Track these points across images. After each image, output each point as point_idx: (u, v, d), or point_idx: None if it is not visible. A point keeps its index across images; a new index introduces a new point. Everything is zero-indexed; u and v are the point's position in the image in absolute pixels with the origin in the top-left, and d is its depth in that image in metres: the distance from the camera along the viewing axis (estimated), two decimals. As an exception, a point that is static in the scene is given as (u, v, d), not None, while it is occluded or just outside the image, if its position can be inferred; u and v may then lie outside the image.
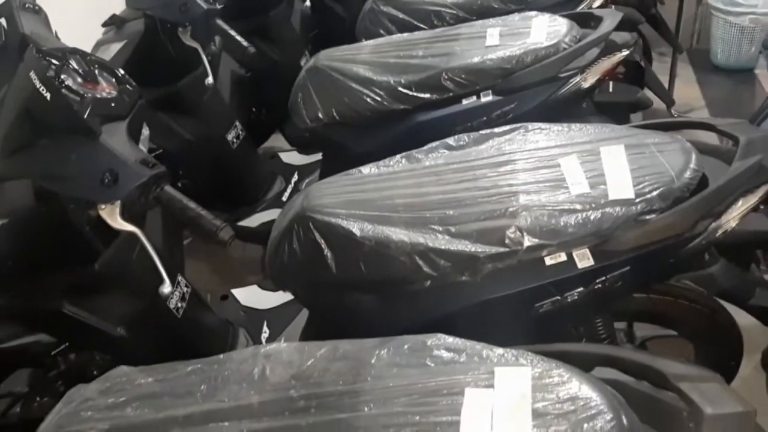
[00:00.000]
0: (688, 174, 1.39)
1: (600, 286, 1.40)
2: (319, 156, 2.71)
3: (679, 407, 0.89)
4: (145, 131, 1.56)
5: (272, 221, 1.68)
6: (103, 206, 1.28)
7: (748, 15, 4.04)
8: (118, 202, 1.28)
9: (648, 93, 2.78)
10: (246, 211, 2.61)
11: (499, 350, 1.00)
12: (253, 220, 2.55)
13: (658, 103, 3.20)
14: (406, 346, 1.05)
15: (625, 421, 0.86)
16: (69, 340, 1.61)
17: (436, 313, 1.48)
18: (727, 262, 1.53)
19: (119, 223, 1.29)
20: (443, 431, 0.88)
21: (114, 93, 1.39)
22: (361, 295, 1.53)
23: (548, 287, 1.41)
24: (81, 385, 1.12)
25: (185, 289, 1.77)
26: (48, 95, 1.25)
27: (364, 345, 1.07)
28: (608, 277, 1.39)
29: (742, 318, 1.68)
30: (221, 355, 1.13)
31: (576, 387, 0.91)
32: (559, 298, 1.42)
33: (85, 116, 1.27)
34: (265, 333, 1.95)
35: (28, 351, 1.68)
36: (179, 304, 1.72)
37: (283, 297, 2.03)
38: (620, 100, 2.24)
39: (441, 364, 0.99)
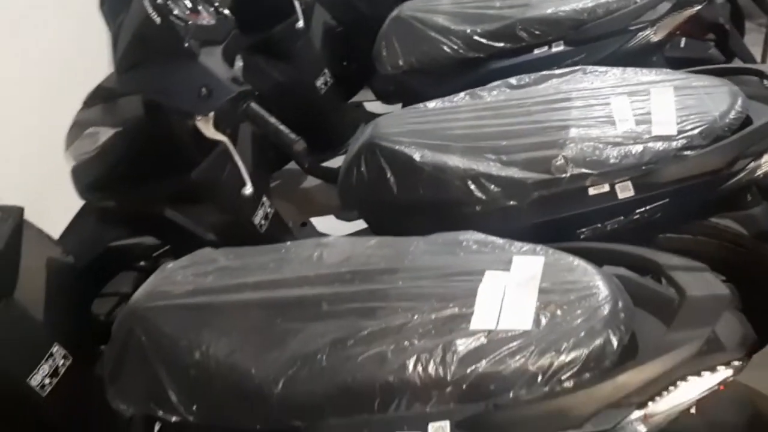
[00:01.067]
0: (731, 115, 1.47)
1: (639, 216, 1.51)
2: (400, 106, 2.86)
3: (671, 297, 1.01)
4: (239, 62, 1.77)
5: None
6: (199, 117, 1.50)
7: None
8: (212, 114, 1.50)
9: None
10: (330, 154, 2.80)
11: (521, 244, 1.14)
12: (337, 162, 2.75)
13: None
14: (440, 239, 1.21)
15: (619, 303, 0.99)
16: (168, 242, 1.87)
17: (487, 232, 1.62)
18: (769, 205, 1.59)
19: (212, 133, 1.51)
20: (461, 301, 1.04)
21: (213, 22, 1.60)
22: (419, 217, 1.68)
23: (590, 215, 1.52)
24: (171, 261, 1.34)
25: (269, 210, 1.99)
26: (158, 20, 1.48)
27: (407, 239, 1.24)
28: (647, 208, 1.50)
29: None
30: (289, 243, 1.33)
31: (581, 273, 1.04)
32: (599, 225, 1.53)
33: (187, 40, 1.49)
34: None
35: (133, 251, 1.96)
36: (262, 222, 1.94)
37: (356, 226, 2.21)
38: (691, 56, 2.27)
39: (468, 252, 1.15)
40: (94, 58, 1.79)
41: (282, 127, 1.52)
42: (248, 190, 1.57)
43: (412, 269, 1.13)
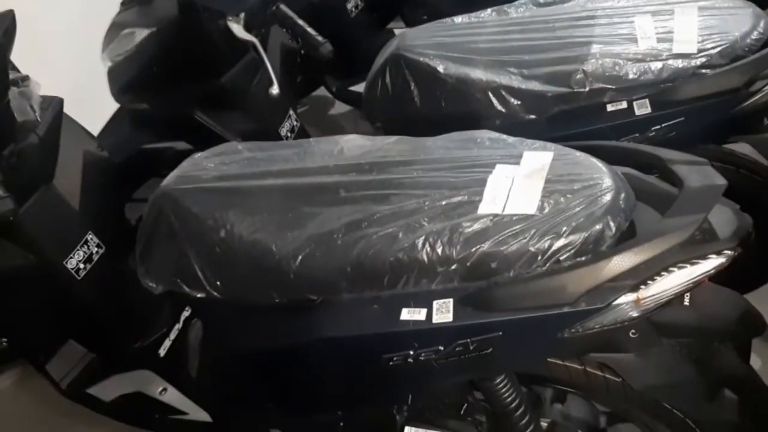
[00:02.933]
0: (753, 36, 1.48)
1: (655, 134, 1.54)
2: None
3: (672, 193, 1.05)
4: None
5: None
6: (230, 17, 1.55)
7: None
8: (243, 15, 1.55)
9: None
10: (358, 78, 2.83)
11: (532, 141, 1.19)
12: (362, 87, 2.78)
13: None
14: (457, 136, 1.26)
15: (622, 194, 1.04)
16: (198, 146, 1.94)
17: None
18: (789, 130, 1.61)
19: (243, 34, 1.56)
20: (471, 189, 1.09)
21: None
22: (441, 129, 1.73)
23: (607, 131, 1.56)
24: (198, 153, 1.41)
25: (295, 123, 2.05)
26: None
27: (425, 138, 1.30)
28: (663, 126, 1.53)
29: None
30: (311, 138, 1.39)
31: (588, 167, 1.09)
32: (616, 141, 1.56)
33: None
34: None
35: (164, 155, 2.03)
36: (288, 134, 2.01)
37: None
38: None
39: (482, 148, 1.20)
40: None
41: (310, 30, 1.57)
42: (275, 90, 1.62)
43: (427, 161, 1.19)
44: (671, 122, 1.52)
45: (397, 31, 3.17)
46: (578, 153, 1.13)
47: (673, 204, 0.99)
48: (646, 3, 1.64)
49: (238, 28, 1.55)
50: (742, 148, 1.68)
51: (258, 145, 1.39)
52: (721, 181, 1.02)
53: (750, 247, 1.89)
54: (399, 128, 1.85)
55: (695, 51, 1.48)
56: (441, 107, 1.68)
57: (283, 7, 1.56)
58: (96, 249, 1.55)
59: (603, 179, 1.05)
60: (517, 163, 1.13)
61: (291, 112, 2.04)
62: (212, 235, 1.20)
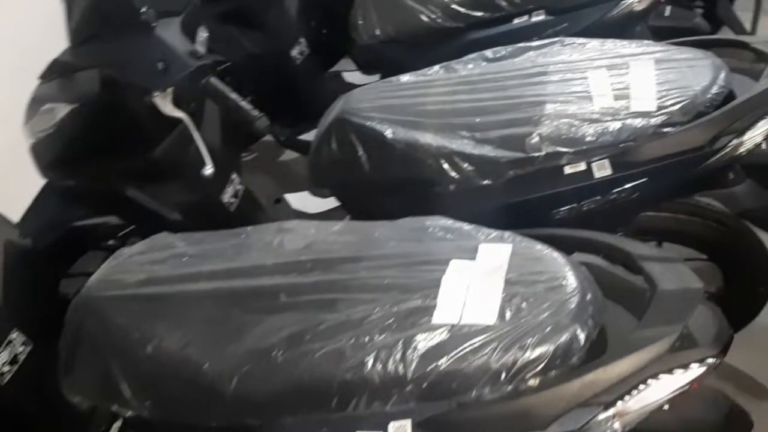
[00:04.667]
0: (713, 90, 1.41)
1: (616, 196, 1.45)
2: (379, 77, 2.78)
3: (643, 287, 0.96)
4: (203, 33, 1.69)
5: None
6: (156, 93, 1.43)
7: None
8: (170, 90, 1.43)
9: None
10: (307, 126, 2.72)
11: (488, 230, 1.09)
12: (313, 136, 2.67)
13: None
14: (406, 225, 1.15)
15: (588, 295, 0.94)
16: (133, 222, 1.80)
17: (459, 216, 1.56)
18: (754, 183, 1.54)
19: (171, 110, 1.44)
20: (424, 292, 0.99)
21: None
22: (392, 195, 1.63)
23: (566, 194, 1.47)
24: (127, 247, 1.29)
25: (239, 187, 1.93)
26: None
27: (371, 223, 1.19)
28: (625, 187, 1.44)
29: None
30: (249, 227, 1.27)
31: (549, 263, 0.99)
32: (576, 205, 1.48)
33: (142, 11, 1.41)
34: (312, 235, 2.09)
35: (97, 231, 1.89)
36: (232, 200, 1.88)
37: (331, 202, 2.15)
38: (676, 26, 2.20)
39: (434, 239, 1.10)
40: (56, 31, 1.71)
41: (244, 104, 1.45)
42: (208, 170, 1.50)
43: (375, 258, 1.08)
44: (633, 183, 1.44)
45: (346, 75, 3.08)
46: (538, 245, 1.03)
47: (647, 309, 0.90)
48: (599, 56, 1.56)
49: (165, 105, 1.43)
50: (706, 198, 1.62)
51: (191, 237, 1.26)
52: (697, 284, 0.93)
53: (720, 296, 1.85)
54: (348, 194, 1.77)
55: (654, 109, 1.40)
56: (391, 173, 1.58)
57: (214, 80, 1.44)
58: (22, 347, 1.41)
59: (567, 278, 0.95)
60: (473, 258, 1.03)
61: (234, 175, 1.92)
62: (139, 350, 1.08)
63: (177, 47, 1.42)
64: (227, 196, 1.87)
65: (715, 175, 1.46)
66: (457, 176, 1.50)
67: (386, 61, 2.41)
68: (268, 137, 2.86)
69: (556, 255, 1.00)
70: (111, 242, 1.95)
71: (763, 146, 1.44)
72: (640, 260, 0.99)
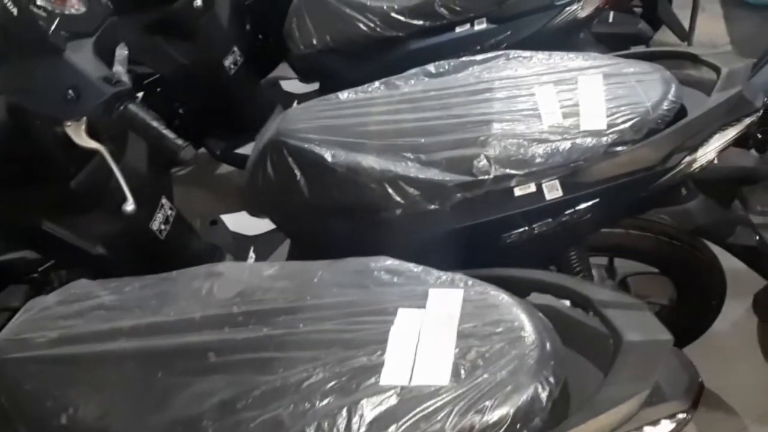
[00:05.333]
0: (664, 105, 1.36)
1: (569, 218, 1.39)
2: (318, 85, 2.68)
3: (605, 334, 0.89)
4: (123, 51, 1.56)
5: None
6: (68, 123, 1.29)
7: (784, -54, 3.83)
8: (84, 119, 1.29)
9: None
10: (244, 138, 2.60)
11: (438, 273, 1.00)
12: (251, 148, 2.55)
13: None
14: (349, 267, 1.06)
15: (547, 346, 0.86)
16: (52, 256, 1.65)
17: (407, 241, 1.48)
18: (706, 199, 1.50)
19: (84, 140, 1.30)
20: (370, 348, 0.89)
21: (82, 9, 1.38)
22: (336, 221, 1.53)
23: (516, 217, 1.40)
24: (41, 297, 1.16)
25: (169, 212, 1.80)
26: (15, 10, 1.25)
27: (311, 266, 1.09)
28: (577, 209, 1.38)
29: (737, 261, 1.65)
30: (175, 272, 1.15)
31: (505, 311, 0.91)
32: (527, 229, 1.41)
33: (51, 32, 1.27)
34: (251, 258, 1.98)
35: (15, 266, 1.74)
36: (162, 227, 1.75)
37: (270, 224, 2.04)
38: (620, 32, 2.17)
39: (379, 285, 1.00)
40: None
41: (167, 132, 1.32)
42: (129, 207, 1.37)
43: (315, 308, 0.98)
44: (585, 205, 1.38)
45: (283, 83, 2.96)
46: (492, 290, 0.95)
47: (613, 363, 0.82)
48: (546, 71, 1.49)
49: (78, 135, 1.30)
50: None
51: (112, 285, 1.14)
52: (665, 335, 0.87)
53: (672, 308, 1.82)
54: (288, 220, 1.66)
55: (605, 127, 1.34)
56: (332, 198, 1.48)
57: (133, 106, 1.31)
58: None
59: (525, 329, 0.87)
60: (423, 306, 0.94)
61: (163, 200, 1.79)
62: (52, 420, 0.96)
63: (89, 73, 1.28)
64: (157, 223, 1.74)
65: (668, 192, 1.42)
66: (402, 201, 1.42)
67: (325, 70, 2.32)
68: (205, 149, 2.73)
69: (511, 301, 0.92)
70: (34, 275, 1.80)
71: (716, 161, 1.40)
72: (602, 307, 0.92)
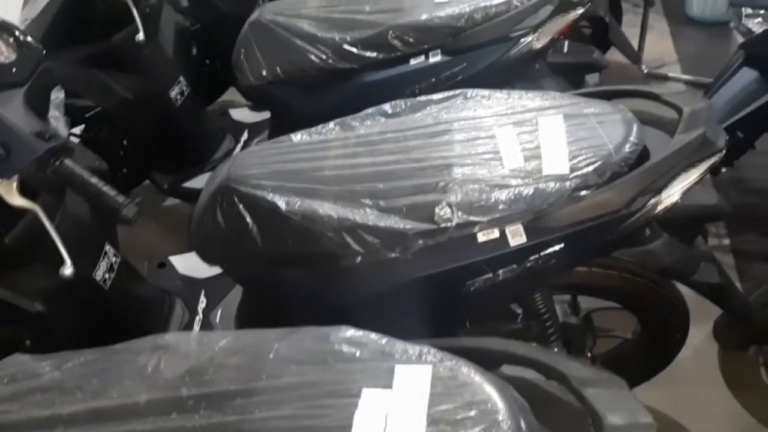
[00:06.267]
0: (627, 148, 1.32)
1: (533, 263, 1.35)
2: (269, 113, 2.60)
3: (582, 412, 0.84)
4: (59, 94, 1.46)
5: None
6: None
7: (725, -35, 3.91)
8: (15, 177, 1.20)
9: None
10: (193, 171, 2.51)
11: (404, 346, 0.94)
12: (200, 181, 2.45)
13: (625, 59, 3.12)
14: (307, 340, 0.98)
15: (523, 428, 0.81)
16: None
17: (366, 290, 1.42)
18: (670, 237, 1.48)
19: (16, 200, 1.21)
20: (333, 436, 0.83)
21: (12, 56, 1.28)
22: (291, 270, 1.46)
23: (480, 265, 1.35)
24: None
25: (114, 259, 1.70)
26: None
27: (265, 337, 1.01)
28: (542, 254, 1.34)
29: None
30: (119, 345, 1.06)
31: (477, 390, 0.85)
32: (491, 275, 1.36)
33: None
34: (203, 303, 1.89)
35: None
36: (106, 276, 1.65)
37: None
38: (575, 61, 2.15)
39: (341, 360, 0.93)
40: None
41: (107, 188, 1.23)
42: (68, 270, 1.27)
43: (272, 389, 0.90)
44: (550, 250, 1.33)
45: (233, 112, 2.87)
46: (463, 366, 0.89)
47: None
48: (505, 111, 1.45)
49: (10, 194, 1.20)
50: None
51: (48, 361, 1.05)
52: (647, 418, 0.82)
53: (636, 342, 1.80)
54: (240, 270, 1.58)
55: (568, 171, 1.30)
56: (287, 247, 1.41)
57: (69, 162, 1.21)
58: None
59: (499, 411, 0.81)
60: (389, 386, 0.87)
61: (107, 247, 1.69)
62: None
63: (20, 128, 1.19)
64: (100, 273, 1.64)
65: (632, 234, 1.38)
66: (361, 249, 1.35)
67: (275, 100, 2.24)
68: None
69: (484, 379, 0.86)
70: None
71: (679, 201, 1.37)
72: (580, 385, 0.87)
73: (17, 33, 1.34)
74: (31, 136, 1.19)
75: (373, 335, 0.98)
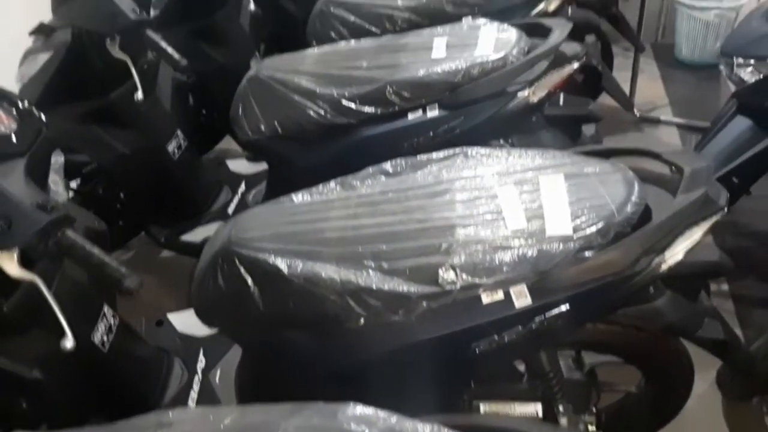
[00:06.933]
0: (629, 208, 1.32)
1: (538, 325, 1.34)
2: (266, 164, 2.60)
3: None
4: (59, 158, 1.46)
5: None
6: None
7: (713, 10, 3.99)
8: (16, 249, 1.18)
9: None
10: (190, 224, 2.49)
11: (414, 425, 0.92)
12: (197, 234, 2.45)
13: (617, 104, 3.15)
14: (315, 418, 0.96)
15: None
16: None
17: (370, 353, 1.41)
18: (674, 294, 1.47)
19: (17, 271, 1.19)
20: None
21: (13, 126, 1.28)
22: (293, 333, 1.45)
23: (485, 327, 1.34)
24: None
25: (112, 321, 1.68)
26: None
27: (271, 414, 0.99)
28: (547, 316, 1.33)
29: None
30: (120, 423, 1.04)
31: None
32: (496, 337, 1.35)
33: None
34: (201, 362, 1.86)
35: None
36: (105, 338, 1.63)
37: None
38: (571, 114, 2.17)
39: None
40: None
41: (109, 259, 1.22)
42: (69, 343, 1.26)
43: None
44: (555, 311, 1.32)
45: (230, 163, 2.87)
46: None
47: None
48: (505, 170, 1.45)
49: (10, 266, 1.18)
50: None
51: None
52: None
53: (640, 395, 1.78)
54: (242, 333, 1.56)
55: (571, 232, 1.30)
56: (289, 310, 1.40)
57: (70, 233, 1.20)
58: None
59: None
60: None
61: (105, 308, 1.67)
62: None
63: (21, 200, 1.18)
64: (99, 335, 1.61)
65: (636, 294, 1.38)
66: (364, 312, 1.34)
67: (273, 154, 2.25)
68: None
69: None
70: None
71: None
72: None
73: (18, 102, 1.34)
74: (33, 208, 1.18)
75: (383, 413, 0.96)
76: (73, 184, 2.34)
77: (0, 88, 1.35)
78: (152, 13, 2.15)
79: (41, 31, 2.10)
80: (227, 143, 3.17)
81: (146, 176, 2.35)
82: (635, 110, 3.63)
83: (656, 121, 3.65)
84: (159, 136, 2.34)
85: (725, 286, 2.59)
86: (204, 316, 1.53)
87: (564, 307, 1.32)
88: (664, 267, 1.33)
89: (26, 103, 1.36)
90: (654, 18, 4.36)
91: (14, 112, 1.31)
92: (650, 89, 3.95)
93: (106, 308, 1.67)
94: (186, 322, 1.98)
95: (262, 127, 2.10)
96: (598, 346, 1.64)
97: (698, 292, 1.54)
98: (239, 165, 2.78)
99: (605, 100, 3.02)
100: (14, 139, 1.27)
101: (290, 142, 2.10)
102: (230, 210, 2.55)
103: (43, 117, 1.38)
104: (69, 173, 1.94)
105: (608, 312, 1.44)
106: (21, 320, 1.40)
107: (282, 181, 2.28)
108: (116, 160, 2.23)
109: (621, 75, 3.62)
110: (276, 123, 2.07)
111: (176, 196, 2.49)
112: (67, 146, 1.67)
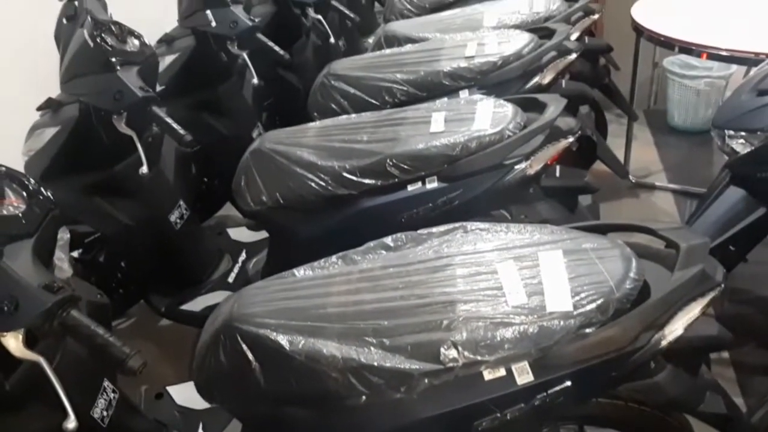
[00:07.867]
0: (628, 284, 1.34)
1: (541, 401, 1.33)
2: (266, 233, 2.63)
3: None
4: (65, 235, 1.48)
5: (216, 305, 1.59)
6: (4, 334, 1.18)
7: (704, 78, 4.09)
8: (21, 330, 1.19)
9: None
10: (190, 293, 2.50)
11: None
12: (197, 304, 2.45)
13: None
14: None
15: None
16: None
17: (372, 430, 1.40)
18: (674, 369, 1.48)
19: (22, 352, 1.19)
20: None
21: (22, 207, 1.30)
22: (294, 409, 1.44)
23: (487, 404, 1.34)
24: None
25: (112, 395, 1.67)
26: None
27: None
28: (549, 392, 1.33)
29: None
30: None
31: None
32: (499, 415, 1.34)
33: None
34: (200, 437, 1.84)
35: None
36: (104, 413, 1.62)
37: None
38: (567, 185, 2.21)
39: None
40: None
41: (113, 339, 1.23)
42: (71, 424, 1.25)
43: None
44: (557, 388, 1.32)
45: (230, 231, 2.90)
46: None
47: None
48: (504, 245, 1.48)
49: (16, 346, 1.19)
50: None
51: None
52: None
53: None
54: (243, 409, 1.55)
55: (571, 308, 1.32)
56: (290, 387, 1.40)
57: (75, 313, 1.21)
58: None
59: None
60: None
61: (105, 383, 1.66)
62: None
63: (29, 282, 1.19)
64: (98, 411, 1.60)
65: (637, 370, 1.38)
66: (365, 389, 1.35)
67: (274, 224, 2.27)
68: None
69: None
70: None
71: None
72: None
73: (28, 183, 1.37)
74: (39, 289, 1.19)
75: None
76: (75, 253, 2.36)
77: (10, 169, 1.38)
78: (158, 88, 2.21)
79: (49, 105, 2.15)
80: (227, 210, 3.21)
81: (148, 246, 2.37)
82: (630, 176, 3.68)
83: (651, 187, 3.70)
84: (162, 207, 2.37)
85: (725, 354, 2.58)
86: (204, 392, 1.53)
87: (566, 384, 1.32)
88: (664, 343, 1.33)
89: (35, 184, 1.39)
90: (646, 86, 4.47)
91: (24, 193, 1.33)
92: (644, 155, 4.02)
93: (106, 383, 1.66)
94: (185, 395, 1.97)
95: (265, 198, 2.13)
96: (601, 421, 1.63)
97: (699, 366, 1.54)
98: (240, 233, 2.81)
99: (601, 166, 3.08)
100: (23, 220, 1.29)
101: (292, 212, 2.13)
102: (231, 279, 2.56)
103: (51, 196, 1.40)
104: (72, 243, 1.96)
105: (610, 387, 1.44)
106: (22, 397, 1.39)
107: (283, 250, 2.30)
108: (119, 231, 2.26)
109: (615, 142, 3.71)
110: (278, 194, 2.11)
111: (177, 265, 2.51)
112: (70, 217, 1.69)
